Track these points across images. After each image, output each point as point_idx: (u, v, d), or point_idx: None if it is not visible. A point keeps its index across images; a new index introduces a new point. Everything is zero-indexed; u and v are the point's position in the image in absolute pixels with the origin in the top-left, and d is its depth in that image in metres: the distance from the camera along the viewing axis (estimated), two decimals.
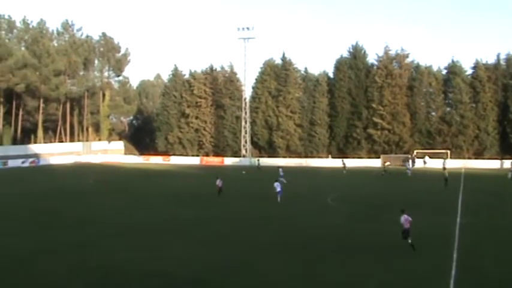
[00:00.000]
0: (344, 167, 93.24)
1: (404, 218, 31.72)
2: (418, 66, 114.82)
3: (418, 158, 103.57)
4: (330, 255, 30.47)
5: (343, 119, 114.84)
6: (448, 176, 66.76)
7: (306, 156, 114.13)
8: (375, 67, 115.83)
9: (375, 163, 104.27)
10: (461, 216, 42.99)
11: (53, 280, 25.93)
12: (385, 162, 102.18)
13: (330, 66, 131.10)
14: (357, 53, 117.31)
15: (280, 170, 75.91)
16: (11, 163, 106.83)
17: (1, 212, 47.91)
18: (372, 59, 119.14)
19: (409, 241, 31.19)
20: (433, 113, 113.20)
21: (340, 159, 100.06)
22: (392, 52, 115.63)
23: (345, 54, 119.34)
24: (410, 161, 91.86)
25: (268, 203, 52.73)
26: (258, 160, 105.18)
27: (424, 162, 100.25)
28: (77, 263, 28.71)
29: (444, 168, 72.50)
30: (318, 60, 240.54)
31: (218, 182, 58.28)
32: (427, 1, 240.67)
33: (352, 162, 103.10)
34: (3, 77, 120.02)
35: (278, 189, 54.52)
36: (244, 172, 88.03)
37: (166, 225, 40.59)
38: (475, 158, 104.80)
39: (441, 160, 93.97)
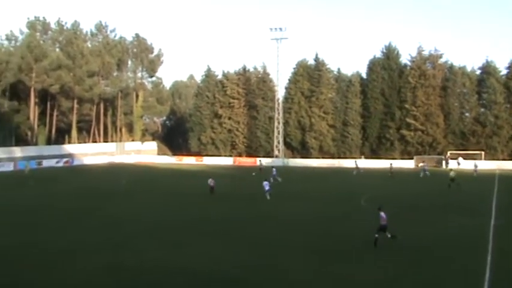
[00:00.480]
0: (356, 167, 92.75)
1: (381, 216, 33.60)
2: (451, 67, 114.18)
3: (451, 159, 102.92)
4: (362, 256, 30.84)
5: (376, 120, 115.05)
6: (455, 176, 66.84)
7: (339, 157, 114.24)
8: (408, 67, 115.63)
9: (408, 164, 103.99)
10: (495, 218, 43.26)
11: (86, 279, 26.57)
12: (418, 163, 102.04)
13: (363, 67, 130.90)
14: (390, 54, 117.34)
15: (274, 169, 77.80)
16: (46, 163, 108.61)
17: (35, 212, 49.10)
18: (405, 59, 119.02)
19: (389, 235, 33.13)
20: (467, 114, 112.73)
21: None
22: (425, 52, 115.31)
23: (378, 54, 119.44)
24: (423, 163, 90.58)
25: (296, 203, 53.70)
26: (260, 161, 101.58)
27: (458, 164, 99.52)
28: (110, 262, 29.46)
29: (451, 170, 71.93)
30: (350, 61, 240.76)
31: (210, 182, 61.39)
32: (461, 1, 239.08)
33: (385, 163, 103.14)
34: (38, 78, 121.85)
35: (267, 188, 57.19)
36: (254, 174, 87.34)
37: (198, 225, 41.25)
38: (510, 159, 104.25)
39: (473, 161, 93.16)
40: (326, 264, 29.03)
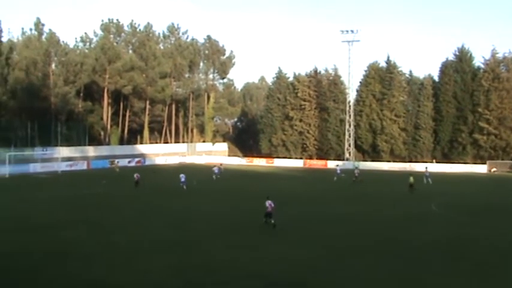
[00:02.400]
0: (337, 172, 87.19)
1: (268, 203, 40.86)
2: None
3: None
4: (430, 260, 31.09)
5: (448, 124, 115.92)
6: (413, 182, 68.19)
7: (410, 161, 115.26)
8: (481, 70, 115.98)
9: (481, 169, 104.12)
10: None
11: (153, 277, 27.76)
12: (491, 168, 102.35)
13: (435, 70, 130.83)
14: (462, 56, 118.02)
15: (215, 168, 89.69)
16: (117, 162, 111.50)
17: (107, 210, 52.32)
18: (478, 62, 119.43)
19: (272, 221, 40.23)
20: None
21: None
22: (499, 55, 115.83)
23: (451, 57, 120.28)
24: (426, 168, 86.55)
25: (368, 205, 55.73)
26: (221, 165, 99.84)
27: None
28: (177, 261, 30.86)
29: (410, 175, 71.87)
30: (422, 64, 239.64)
31: (135, 176, 71.85)
32: None
33: (457, 168, 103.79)
34: (112, 79, 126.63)
35: (182, 180, 69.85)
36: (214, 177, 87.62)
37: (266, 226, 41.58)
38: None
39: None
40: (393, 268, 29.54)
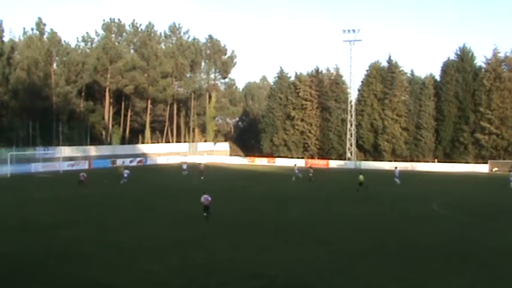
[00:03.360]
0: (295, 173, 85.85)
1: (205, 198, 43.29)
2: None
3: None
4: (432, 263, 30.50)
5: (449, 123, 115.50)
6: (364, 181, 68.27)
7: (412, 161, 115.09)
8: (483, 70, 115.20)
9: (482, 169, 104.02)
10: None
11: (155, 277, 27.67)
12: (493, 167, 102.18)
13: (436, 69, 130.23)
14: (464, 56, 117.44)
15: (184, 165, 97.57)
16: (119, 162, 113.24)
17: (108, 210, 52.07)
18: (479, 61, 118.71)
19: (205, 214, 43.20)
20: None
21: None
22: (501, 54, 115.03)
23: (452, 56, 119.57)
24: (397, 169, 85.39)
25: (369, 206, 55.37)
26: (201, 164, 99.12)
27: None
28: (180, 261, 30.77)
29: (360, 173, 71.65)
30: (424, 63, 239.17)
31: (81, 176, 73.05)
32: None
33: (458, 167, 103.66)
34: (113, 79, 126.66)
35: (125, 175, 75.16)
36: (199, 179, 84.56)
37: (269, 226, 42.10)
38: None
39: None
40: (396, 269, 29.25)
